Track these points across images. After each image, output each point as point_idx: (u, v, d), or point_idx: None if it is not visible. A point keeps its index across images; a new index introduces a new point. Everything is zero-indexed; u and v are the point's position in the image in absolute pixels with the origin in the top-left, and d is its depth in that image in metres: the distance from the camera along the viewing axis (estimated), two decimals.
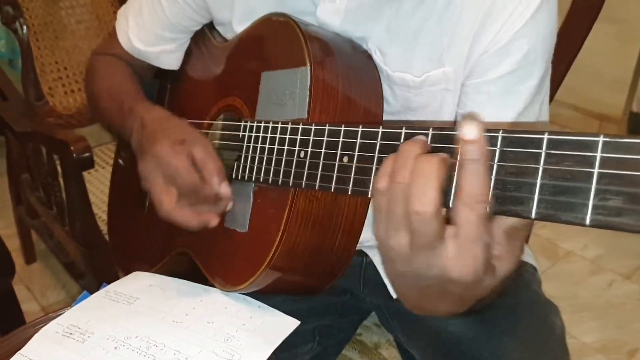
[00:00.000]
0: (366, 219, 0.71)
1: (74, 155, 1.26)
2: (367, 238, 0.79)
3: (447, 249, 0.45)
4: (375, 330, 1.05)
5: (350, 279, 0.92)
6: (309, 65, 0.66)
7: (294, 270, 0.71)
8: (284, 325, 0.67)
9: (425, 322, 0.87)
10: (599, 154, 0.38)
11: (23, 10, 1.56)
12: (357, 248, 0.74)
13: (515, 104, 0.71)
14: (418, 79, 0.72)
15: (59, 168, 1.47)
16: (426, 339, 0.87)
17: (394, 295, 0.88)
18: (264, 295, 0.72)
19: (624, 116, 2.53)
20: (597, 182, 0.38)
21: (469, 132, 0.42)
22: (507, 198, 0.43)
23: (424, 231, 0.44)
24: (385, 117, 0.75)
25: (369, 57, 0.73)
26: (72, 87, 1.65)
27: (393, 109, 0.75)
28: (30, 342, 0.65)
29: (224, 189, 0.71)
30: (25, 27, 1.57)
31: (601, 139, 0.38)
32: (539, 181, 0.41)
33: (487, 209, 0.42)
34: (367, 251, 0.90)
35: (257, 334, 0.65)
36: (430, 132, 0.48)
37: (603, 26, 1.36)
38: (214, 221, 0.72)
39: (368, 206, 0.70)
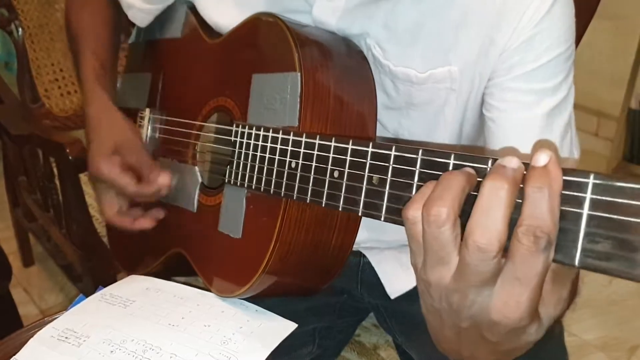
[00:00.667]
0: (362, 220, 0.71)
1: (70, 157, 1.26)
2: (363, 239, 0.78)
3: (495, 286, 0.40)
4: (374, 332, 1.05)
5: (347, 279, 0.92)
6: (299, 71, 0.65)
7: (289, 275, 0.70)
8: (282, 328, 0.67)
9: (422, 322, 0.86)
10: (588, 195, 0.37)
11: (18, 13, 1.56)
12: (354, 249, 0.73)
13: (543, 100, 0.70)
14: (421, 75, 0.71)
15: (55, 170, 1.47)
16: (423, 338, 0.87)
17: (392, 296, 0.88)
18: (260, 298, 0.71)
19: (622, 113, 2.53)
20: (587, 224, 0.37)
21: (539, 159, 0.38)
22: None
23: (482, 269, 0.39)
24: (387, 112, 0.74)
25: (364, 57, 0.72)
26: (68, 89, 1.65)
27: (395, 104, 0.74)
28: (25, 347, 0.64)
29: (164, 178, 0.80)
30: (20, 30, 1.57)
31: (591, 180, 0.37)
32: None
33: (548, 244, 0.37)
34: (364, 252, 0.90)
35: (254, 336, 0.65)
36: (420, 156, 0.46)
37: (601, 23, 1.36)
38: (148, 225, 0.84)
39: None
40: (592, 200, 0.37)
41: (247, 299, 0.71)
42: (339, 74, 0.68)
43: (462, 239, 0.40)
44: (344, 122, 0.67)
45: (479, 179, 0.42)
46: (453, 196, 0.40)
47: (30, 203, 1.68)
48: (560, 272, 0.41)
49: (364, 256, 0.90)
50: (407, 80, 0.72)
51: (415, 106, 0.74)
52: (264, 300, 0.71)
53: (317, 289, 0.77)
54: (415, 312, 0.87)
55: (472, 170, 0.42)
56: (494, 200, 0.39)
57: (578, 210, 0.37)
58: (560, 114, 0.70)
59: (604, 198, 0.36)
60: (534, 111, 0.69)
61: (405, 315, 0.90)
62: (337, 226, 0.69)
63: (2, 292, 1.20)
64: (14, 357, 0.63)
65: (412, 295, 0.87)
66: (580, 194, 0.37)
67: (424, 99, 0.73)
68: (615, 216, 0.35)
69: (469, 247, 0.39)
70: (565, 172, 0.38)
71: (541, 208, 0.37)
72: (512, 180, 0.39)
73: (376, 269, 0.89)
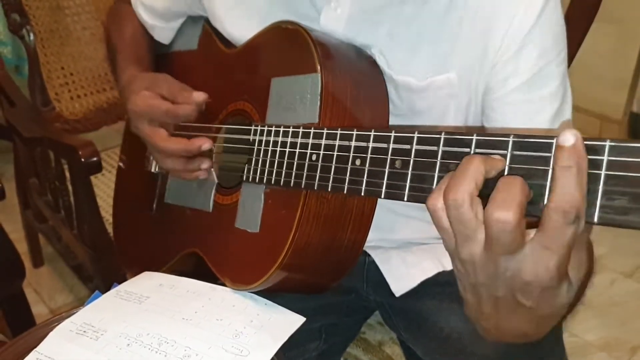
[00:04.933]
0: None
1: (82, 159, 1.28)
2: (369, 238, 0.81)
3: (525, 252, 0.44)
4: (379, 329, 1.07)
5: (354, 278, 0.94)
6: (319, 71, 0.68)
7: (304, 268, 0.72)
8: (291, 322, 0.69)
9: (427, 319, 0.88)
10: (605, 157, 0.40)
11: (30, 18, 1.57)
12: None
13: (544, 108, 0.71)
14: (421, 84, 0.73)
15: (67, 172, 1.50)
16: (428, 335, 0.89)
17: (397, 294, 0.90)
18: (271, 295, 0.74)
19: (624, 116, 2.54)
20: (604, 184, 0.41)
21: (567, 139, 0.41)
22: None
23: (505, 240, 0.43)
24: (391, 119, 0.77)
25: (374, 62, 0.75)
26: (78, 92, 1.67)
27: (399, 110, 0.77)
28: (45, 340, 0.67)
29: (199, 96, 0.79)
30: (32, 34, 1.59)
31: (608, 143, 0.40)
32: (548, 183, 0.43)
33: (576, 218, 0.41)
34: (369, 251, 0.92)
35: (264, 330, 0.67)
36: (443, 136, 0.50)
37: (603, 26, 1.38)
38: (206, 144, 0.78)
39: (375, 205, 0.72)
40: (608, 161, 0.40)
41: (259, 293, 0.73)
42: (354, 76, 0.71)
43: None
44: (360, 119, 0.70)
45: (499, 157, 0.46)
46: (468, 180, 0.44)
47: (41, 204, 1.70)
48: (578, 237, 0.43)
49: (369, 255, 0.92)
50: (408, 89, 0.74)
51: (417, 113, 0.76)
52: (274, 296, 0.73)
53: (328, 286, 0.79)
54: (419, 309, 0.90)
55: (488, 156, 0.46)
56: (510, 179, 0.43)
57: (596, 172, 0.41)
58: (561, 119, 0.72)
59: (619, 159, 0.40)
60: (535, 120, 0.71)
61: (410, 313, 0.92)
62: (351, 223, 0.71)
63: (16, 291, 1.22)
64: (35, 349, 0.66)
65: (416, 293, 0.89)
66: (597, 157, 0.41)
67: (426, 106, 0.75)
68: (630, 174, 0.39)
69: (488, 221, 0.42)
70: (584, 138, 0.41)
71: (570, 185, 0.40)
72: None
73: (381, 268, 0.91)
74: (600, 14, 1.16)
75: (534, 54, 0.68)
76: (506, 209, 0.42)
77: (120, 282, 0.78)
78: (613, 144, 0.40)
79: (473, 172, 0.44)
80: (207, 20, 0.93)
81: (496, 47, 0.68)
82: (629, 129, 2.57)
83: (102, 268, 1.45)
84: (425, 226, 0.89)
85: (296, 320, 0.69)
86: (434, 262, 0.89)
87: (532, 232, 0.43)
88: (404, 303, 0.91)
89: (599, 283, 1.99)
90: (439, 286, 0.88)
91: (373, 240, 0.88)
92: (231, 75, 0.86)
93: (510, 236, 0.42)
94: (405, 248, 0.90)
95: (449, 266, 0.89)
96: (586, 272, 0.50)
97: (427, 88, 0.73)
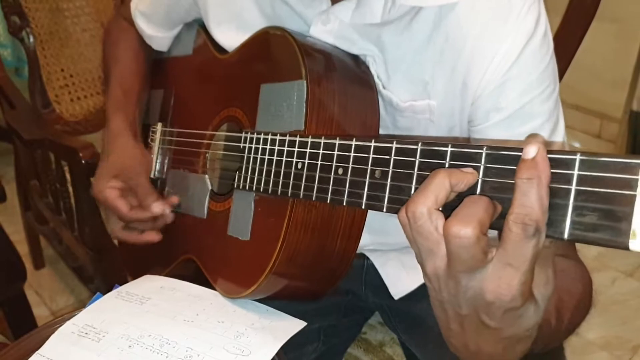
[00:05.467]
0: (365, 223, 0.73)
1: (83, 161, 1.28)
2: (366, 242, 0.80)
3: (487, 271, 0.43)
4: (380, 329, 1.07)
5: (353, 281, 0.94)
6: (305, 78, 0.68)
7: (296, 276, 0.72)
8: (291, 325, 0.69)
9: (425, 322, 0.88)
10: (576, 172, 0.40)
11: (29, 20, 1.58)
12: (357, 251, 0.75)
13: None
14: (403, 104, 0.72)
15: (67, 174, 1.50)
16: (426, 337, 0.89)
17: (395, 297, 0.91)
18: (269, 301, 0.74)
19: (624, 115, 2.54)
20: (574, 199, 0.40)
21: (528, 152, 0.41)
22: None
23: (464, 257, 0.42)
24: (381, 131, 0.76)
25: (367, 68, 0.74)
26: (78, 94, 1.67)
27: (384, 122, 0.76)
28: (47, 342, 0.67)
29: (157, 207, 0.85)
30: (31, 36, 1.59)
31: (578, 157, 0.39)
32: None
33: (536, 231, 0.40)
34: (368, 254, 0.92)
35: (265, 331, 0.67)
36: (419, 147, 0.49)
37: (602, 25, 1.38)
38: (155, 238, 0.86)
39: (367, 212, 0.72)
40: (579, 176, 0.39)
41: (258, 301, 0.73)
42: (343, 82, 0.71)
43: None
44: (348, 127, 0.70)
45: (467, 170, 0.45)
46: (428, 193, 0.44)
47: (42, 206, 1.71)
48: (542, 253, 0.42)
49: (368, 258, 0.92)
50: (391, 105, 0.73)
51: (399, 130, 0.76)
52: (271, 303, 0.73)
53: (323, 292, 0.78)
54: (418, 312, 0.90)
55: (455, 170, 0.45)
56: (475, 197, 0.43)
57: (566, 187, 0.40)
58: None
59: (590, 173, 0.39)
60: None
61: (408, 315, 0.92)
62: (341, 231, 0.71)
63: (18, 293, 1.23)
64: (38, 351, 0.66)
65: (415, 296, 0.89)
66: (568, 172, 0.40)
67: (408, 125, 0.75)
68: (601, 189, 0.38)
69: (447, 236, 0.42)
70: (554, 151, 0.41)
71: (530, 198, 0.40)
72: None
73: (379, 270, 0.91)
74: (599, 13, 1.17)
75: (516, 92, 0.66)
76: (464, 225, 0.41)
77: (121, 284, 0.78)
78: (584, 157, 0.39)
79: (435, 185, 0.44)
80: (201, 25, 0.93)
81: (475, 83, 0.67)
82: (629, 127, 2.58)
83: (102, 269, 1.45)
84: None
85: (297, 325, 0.69)
86: None
87: (494, 251, 0.42)
88: (402, 305, 0.91)
89: (600, 282, 1.99)
90: None
91: (371, 244, 0.89)
92: (223, 80, 0.86)
93: (469, 252, 0.42)
94: (404, 251, 0.90)
95: None
96: (577, 304, 0.47)
97: (407, 109, 0.73)
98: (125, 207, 0.84)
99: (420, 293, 0.89)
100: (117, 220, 0.88)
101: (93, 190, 0.88)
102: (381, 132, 0.76)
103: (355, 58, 0.75)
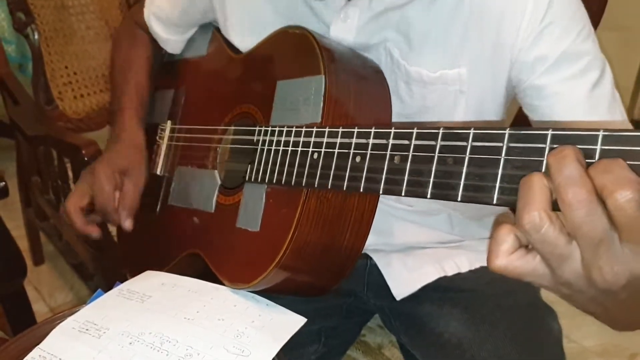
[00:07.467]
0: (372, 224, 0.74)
1: (86, 158, 1.29)
2: (370, 242, 0.81)
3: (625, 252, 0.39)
4: (379, 332, 1.07)
5: (355, 281, 0.94)
6: (323, 73, 0.69)
7: (303, 269, 0.73)
8: (291, 322, 0.69)
9: (426, 324, 0.89)
10: (599, 147, 0.41)
11: (35, 17, 1.58)
12: None
13: (578, 84, 0.72)
14: (433, 75, 0.74)
15: (69, 171, 1.50)
16: (427, 340, 0.89)
17: (398, 298, 0.91)
18: (272, 296, 0.74)
19: None
20: None
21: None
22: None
23: (595, 234, 0.38)
24: (400, 120, 0.78)
25: (379, 70, 0.76)
26: (82, 91, 1.68)
27: (409, 110, 0.78)
28: (48, 337, 0.67)
29: (127, 224, 0.90)
30: (36, 33, 1.60)
31: (601, 133, 0.41)
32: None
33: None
34: (371, 254, 0.92)
35: (265, 330, 0.67)
36: (441, 131, 0.50)
37: (605, 34, 1.38)
38: (96, 234, 0.92)
39: (376, 207, 0.72)
40: (601, 150, 0.40)
41: (259, 294, 0.74)
42: (358, 80, 0.73)
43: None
44: (362, 123, 0.71)
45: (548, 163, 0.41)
46: (538, 196, 0.40)
47: (43, 203, 1.71)
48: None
49: (371, 259, 0.93)
50: (420, 81, 0.75)
51: (427, 109, 0.77)
52: (274, 299, 0.74)
53: (327, 288, 0.79)
54: (420, 313, 0.90)
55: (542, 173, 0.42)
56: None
57: (592, 161, 0.40)
58: (600, 91, 0.73)
59: (612, 147, 0.40)
60: (573, 98, 0.72)
61: (409, 317, 0.93)
62: (351, 225, 0.72)
63: (18, 289, 1.23)
64: (38, 346, 0.66)
65: (417, 297, 0.90)
66: (591, 147, 0.41)
67: (436, 100, 0.76)
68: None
69: (615, 205, 0.37)
70: (576, 129, 0.42)
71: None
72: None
73: (382, 271, 0.91)
74: (603, 21, 1.17)
75: (554, 36, 0.70)
76: (624, 188, 0.36)
77: (121, 281, 0.79)
78: (607, 133, 0.40)
79: (537, 187, 0.40)
80: (216, 28, 0.95)
81: (511, 41, 0.70)
82: None
83: (103, 266, 1.45)
84: (424, 231, 0.90)
85: (297, 321, 0.69)
86: (435, 267, 0.89)
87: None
88: (404, 307, 0.91)
89: None
90: (439, 291, 0.88)
91: (374, 244, 0.89)
92: (238, 79, 0.87)
93: (599, 229, 0.37)
94: (407, 252, 0.91)
95: (450, 271, 0.89)
96: None
97: (438, 80, 0.74)
98: (114, 201, 0.90)
99: (423, 295, 0.89)
100: (81, 198, 0.92)
101: (93, 170, 0.92)
102: (407, 121, 0.78)
103: (368, 59, 0.77)
